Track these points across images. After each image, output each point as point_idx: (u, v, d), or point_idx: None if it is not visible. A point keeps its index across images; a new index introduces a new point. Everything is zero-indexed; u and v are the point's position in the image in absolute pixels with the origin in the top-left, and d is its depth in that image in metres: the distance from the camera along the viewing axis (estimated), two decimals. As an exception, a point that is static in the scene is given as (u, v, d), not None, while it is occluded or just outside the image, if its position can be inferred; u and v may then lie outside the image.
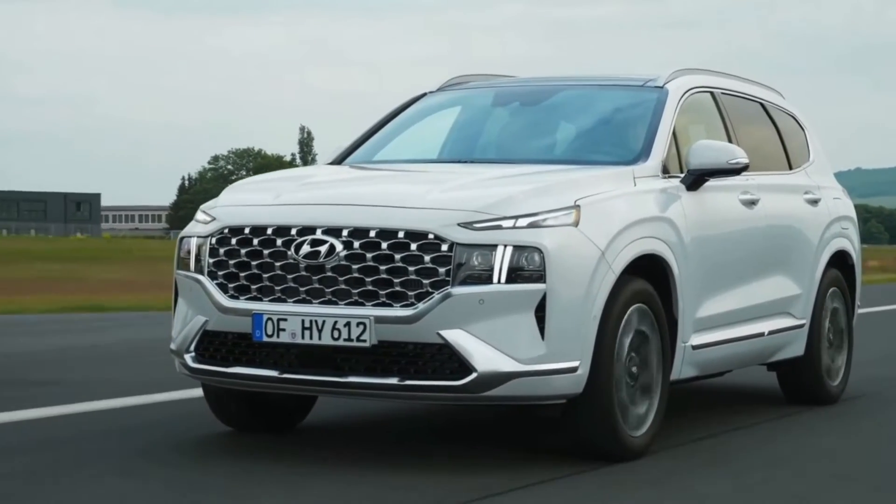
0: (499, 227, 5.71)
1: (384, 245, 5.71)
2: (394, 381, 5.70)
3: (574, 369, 5.75)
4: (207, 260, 6.07)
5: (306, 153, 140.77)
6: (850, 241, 8.55)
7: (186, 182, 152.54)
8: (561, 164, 6.79)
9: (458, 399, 5.76)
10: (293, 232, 5.86)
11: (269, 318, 5.81)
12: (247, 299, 5.94)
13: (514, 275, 5.65)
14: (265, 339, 5.83)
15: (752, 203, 7.35)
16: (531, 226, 5.75)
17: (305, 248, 5.80)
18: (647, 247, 6.21)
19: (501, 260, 5.65)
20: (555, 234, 5.76)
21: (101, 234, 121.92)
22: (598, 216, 5.96)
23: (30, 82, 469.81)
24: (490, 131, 7.69)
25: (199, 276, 6.08)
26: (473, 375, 5.61)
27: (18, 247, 48.02)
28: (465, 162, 7.16)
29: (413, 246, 5.69)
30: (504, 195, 5.94)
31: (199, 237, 6.17)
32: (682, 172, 6.77)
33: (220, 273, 6.02)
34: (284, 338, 5.80)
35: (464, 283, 5.63)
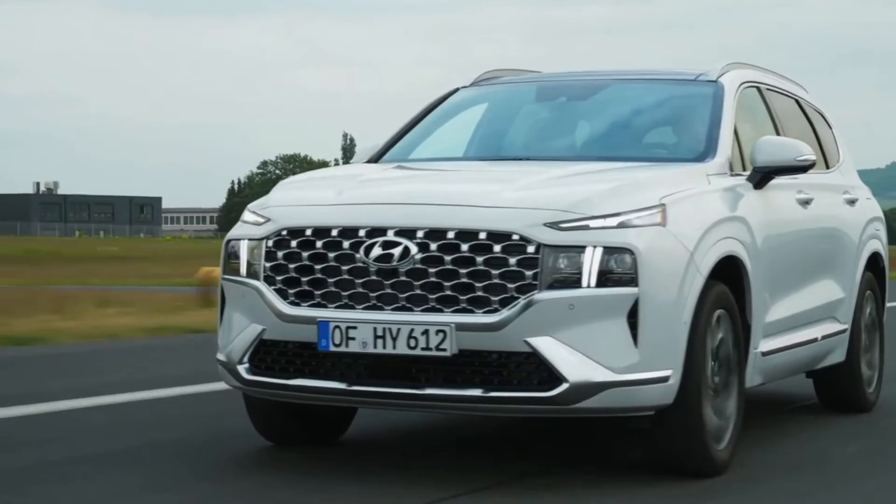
0: (586, 228, 5.07)
1: (464, 247, 5.06)
2: (477, 392, 5.05)
3: (666, 378, 5.12)
4: (263, 264, 5.41)
5: (349, 160, 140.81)
6: (882, 243, 7.98)
7: (236, 186, 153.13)
8: (627, 162, 6.13)
9: (547, 412, 5.12)
10: (362, 233, 5.21)
11: (337, 326, 5.15)
12: (309, 306, 5.28)
13: (604, 278, 5.02)
14: (332, 348, 5.17)
15: (807, 203, 6.77)
16: (620, 226, 5.11)
17: (376, 251, 5.15)
18: (728, 248, 5.61)
19: (591, 262, 5.01)
20: (644, 234, 5.13)
21: (161, 235, 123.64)
22: (682, 216, 5.34)
23: (18, 82, 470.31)
24: (540, 127, 7.03)
25: (254, 282, 5.42)
26: (565, 386, 4.97)
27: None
28: (523, 159, 6.50)
29: (497, 248, 5.04)
30: (588, 193, 5.30)
31: (251, 239, 5.50)
32: (744, 170, 6.17)
33: (279, 278, 5.36)
34: (354, 347, 5.13)
35: (551, 287, 4.99)
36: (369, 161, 6.77)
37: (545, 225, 5.05)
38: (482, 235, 5.07)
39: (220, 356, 5.62)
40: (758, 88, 6.95)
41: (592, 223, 5.08)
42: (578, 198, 5.22)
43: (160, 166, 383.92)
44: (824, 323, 7.00)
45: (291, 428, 6.01)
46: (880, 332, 7.96)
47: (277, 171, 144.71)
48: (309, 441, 6.06)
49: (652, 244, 5.09)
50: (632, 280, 5.02)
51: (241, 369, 5.46)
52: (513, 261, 5.01)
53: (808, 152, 6.14)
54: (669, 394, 5.14)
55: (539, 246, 5.01)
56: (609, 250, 5.03)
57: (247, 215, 5.68)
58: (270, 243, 5.41)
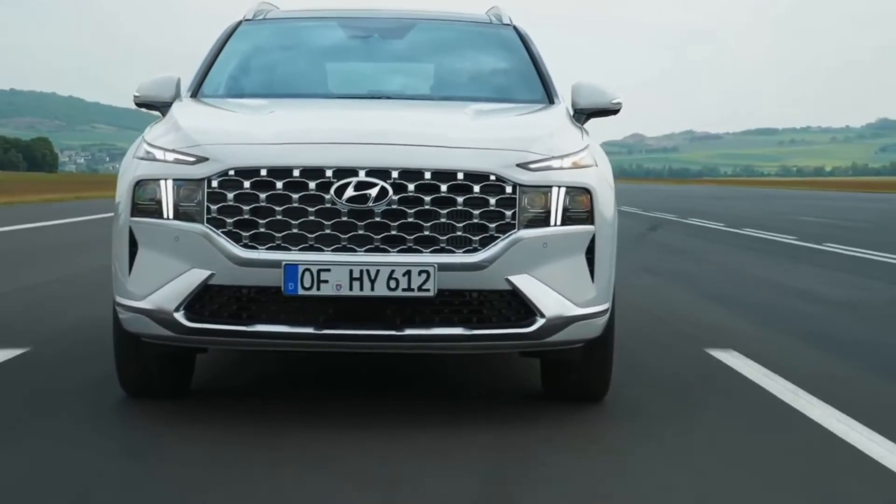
0: (550, 168, 5.08)
1: (443, 187, 4.90)
2: (460, 331, 4.92)
3: (607, 311, 5.28)
4: (207, 206, 4.90)
5: None
6: None
7: None
8: (502, 103, 6.23)
9: (524, 346, 5.10)
10: (329, 174, 4.87)
11: (307, 269, 4.79)
12: (268, 249, 4.87)
13: (566, 216, 5.07)
14: (301, 292, 4.80)
15: None
16: (574, 166, 5.17)
17: (349, 192, 4.85)
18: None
19: (557, 201, 5.04)
20: (591, 174, 5.23)
21: None
22: (598, 156, 5.47)
23: None
24: (377, 65, 6.85)
25: (194, 225, 4.90)
26: (541, 321, 4.97)
27: None
28: (384, 98, 6.30)
29: (476, 188, 4.93)
30: (538, 133, 5.33)
31: (180, 180, 4.95)
32: None
33: (230, 220, 4.89)
34: (326, 290, 4.80)
35: (527, 226, 4.98)
36: (192, 96, 6.19)
37: (517, 165, 5.01)
38: (460, 176, 4.93)
39: (138, 304, 5.00)
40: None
41: (553, 163, 5.10)
42: (534, 138, 5.21)
43: None
44: None
45: (165, 378, 5.53)
46: None
47: None
48: (172, 392, 5.59)
49: (598, 183, 5.20)
50: (588, 218, 5.11)
51: (179, 317, 4.92)
52: (492, 201, 4.93)
53: (619, 96, 6.33)
54: (603, 326, 5.29)
55: (515, 186, 4.97)
56: (570, 190, 5.08)
57: (158, 152, 5.07)
58: (215, 184, 4.91)
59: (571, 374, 5.58)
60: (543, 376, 5.76)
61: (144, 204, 5.01)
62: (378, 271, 4.81)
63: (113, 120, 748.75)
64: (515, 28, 6.95)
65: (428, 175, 4.90)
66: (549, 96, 6.36)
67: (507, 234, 4.93)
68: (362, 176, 4.86)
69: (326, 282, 4.80)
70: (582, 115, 6.14)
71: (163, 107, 5.81)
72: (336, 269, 4.80)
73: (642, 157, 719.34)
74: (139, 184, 5.04)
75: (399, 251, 4.87)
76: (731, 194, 65.90)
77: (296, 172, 4.87)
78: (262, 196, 4.87)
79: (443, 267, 4.84)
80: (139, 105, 6.02)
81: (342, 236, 4.86)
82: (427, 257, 4.86)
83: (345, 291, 4.80)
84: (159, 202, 4.97)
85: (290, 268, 4.80)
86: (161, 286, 4.94)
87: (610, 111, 6.26)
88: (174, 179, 4.96)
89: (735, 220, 26.79)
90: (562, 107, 6.14)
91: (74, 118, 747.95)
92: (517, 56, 6.69)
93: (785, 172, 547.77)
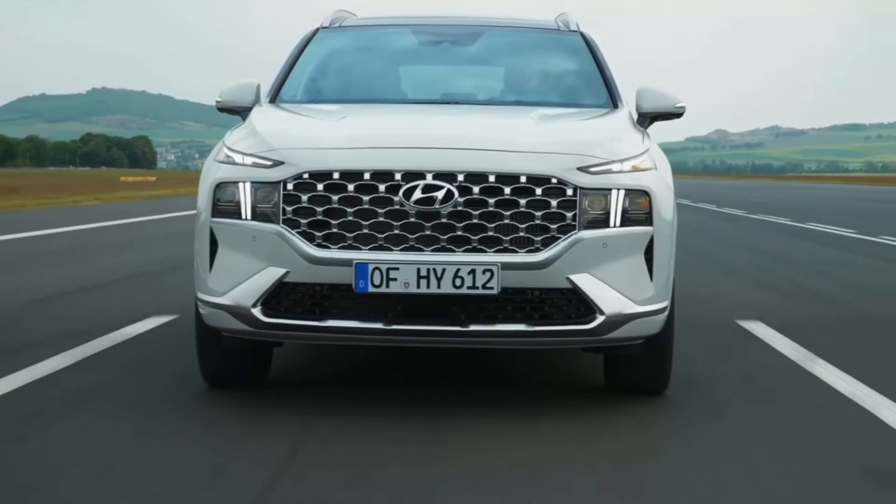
0: (610, 171, 5.25)
1: (506, 190, 5.09)
2: (522, 327, 5.13)
3: (665, 309, 5.43)
4: (283, 207, 5.14)
5: None
6: None
7: None
8: (564, 108, 6.40)
9: (583, 342, 5.28)
10: (398, 177, 5.08)
11: (377, 268, 5.01)
12: (340, 248, 5.10)
13: (626, 218, 5.24)
14: (371, 289, 5.02)
15: None
16: (633, 169, 5.33)
17: (417, 194, 5.06)
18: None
19: (616, 203, 5.21)
20: (651, 177, 5.39)
21: None
22: (658, 159, 5.63)
23: None
24: (450, 70, 7.10)
25: (270, 225, 5.13)
26: (601, 318, 5.15)
27: None
28: (454, 103, 6.56)
29: (538, 191, 5.11)
30: (600, 138, 5.50)
31: (258, 182, 5.20)
32: None
33: (304, 221, 5.12)
34: (395, 288, 5.01)
35: (587, 227, 5.16)
36: (270, 101, 6.45)
37: (578, 169, 5.18)
38: (523, 179, 5.12)
39: (218, 300, 5.26)
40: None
41: (613, 167, 5.27)
42: (595, 143, 5.38)
43: None
44: None
45: (242, 370, 5.79)
46: None
47: None
48: (249, 383, 5.86)
49: (657, 186, 5.36)
50: (647, 219, 5.27)
51: (256, 312, 5.17)
52: (554, 203, 5.11)
53: (682, 100, 6.46)
54: (662, 323, 5.45)
55: (576, 189, 5.15)
56: (629, 192, 5.24)
57: (237, 156, 5.32)
58: (290, 186, 5.14)
59: (632, 369, 5.74)
60: (606, 371, 5.93)
61: (224, 205, 5.27)
62: (444, 270, 5.01)
63: (201, 117, 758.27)
64: (582, 34, 7.14)
65: (492, 178, 5.09)
66: (614, 101, 6.54)
67: (567, 235, 5.11)
68: (429, 179, 5.07)
69: (395, 280, 5.01)
70: (646, 118, 6.31)
71: (243, 111, 6.08)
72: (404, 268, 5.01)
73: (726, 153, 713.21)
74: (219, 186, 5.29)
75: (464, 251, 5.06)
76: (761, 186, 76.96)
77: (366, 175, 5.09)
78: (335, 198, 5.10)
79: (506, 266, 5.03)
80: (221, 110, 6.28)
81: (410, 236, 5.07)
82: (491, 257, 5.05)
83: (412, 289, 5.01)
84: (238, 203, 5.22)
85: (361, 266, 5.02)
86: (239, 283, 5.19)
87: (673, 115, 6.41)
88: (252, 182, 5.21)
89: (701, 199, 38.64)
90: (625, 111, 6.30)
91: (164, 115, 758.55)
92: (583, 61, 6.88)
93: (870, 168, 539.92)
